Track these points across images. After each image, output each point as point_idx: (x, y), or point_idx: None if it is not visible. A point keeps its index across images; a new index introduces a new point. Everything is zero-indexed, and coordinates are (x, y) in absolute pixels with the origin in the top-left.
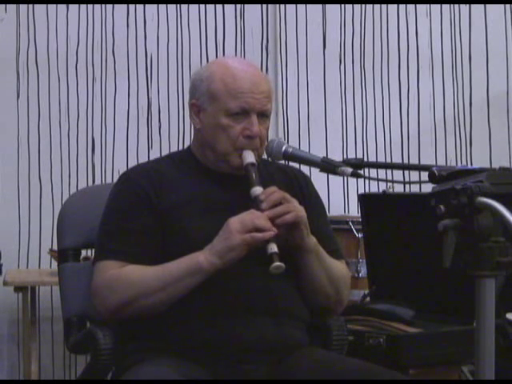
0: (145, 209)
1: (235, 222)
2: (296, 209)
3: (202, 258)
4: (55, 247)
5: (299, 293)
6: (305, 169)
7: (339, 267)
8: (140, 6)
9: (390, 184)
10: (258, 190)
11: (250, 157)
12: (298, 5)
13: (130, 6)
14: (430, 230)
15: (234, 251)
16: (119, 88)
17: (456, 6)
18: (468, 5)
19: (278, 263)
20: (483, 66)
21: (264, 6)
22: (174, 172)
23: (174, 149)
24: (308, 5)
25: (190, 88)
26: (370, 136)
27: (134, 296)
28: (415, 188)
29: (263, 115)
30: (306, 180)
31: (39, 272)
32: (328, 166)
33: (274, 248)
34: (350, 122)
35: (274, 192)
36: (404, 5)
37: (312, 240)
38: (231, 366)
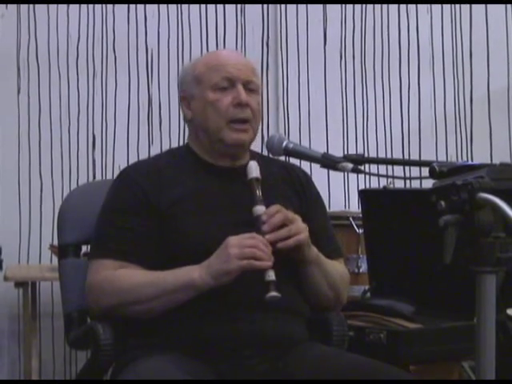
0: (142, 207)
1: (235, 245)
2: (298, 230)
3: (197, 276)
4: (56, 243)
5: (299, 289)
6: (305, 164)
7: (339, 270)
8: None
9: (390, 180)
10: (260, 209)
11: (254, 171)
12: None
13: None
14: (430, 226)
15: (229, 275)
16: (120, 83)
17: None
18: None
19: (274, 293)
20: (484, 62)
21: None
22: (173, 168)
23: (174, 144)
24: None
25: (178, 87)
26: (371, 132)
27: (126, 302)
28: (416, 184)
29: (251, 90)
30: (307, 178)
31: (40, 267)
32: (328, 162)
33: (271, 276)
34: (351, 118)
35: (276, 213)
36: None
37: (313, 252)
38: (232, 361)
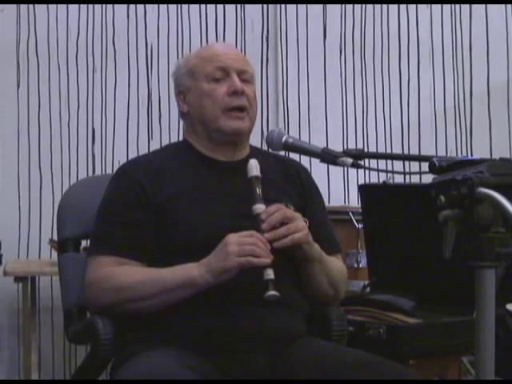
0: (141, 203)
1: (233, 243)
2: (297, 229)
3: (197, 274)
4: (55, 237)
5: (299, 284)
6: (305, 159)
7: (338, 267)
8: None
9: (390, 175)
10: (259, 208)
11: (255, 170)
12: None
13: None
14: (430, 221)
15: (228, 273)
16: (119, 78)
17: None
18: None
19: (272, 292)
20: (484, 56)
21: None
22: (171, 163)
23: (174, 139)
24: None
25: (174, 83)
26: (371, 126)
27: (126, 300)
28: (415, 179)
29: (245, 80)
30: (307, 173)
31: (39, 262)
32: (328, 157)
33: (270, 274)
34: (351, 113)
35: (275, 212)
36: None
37: (316, 251)
38: (231, 356)
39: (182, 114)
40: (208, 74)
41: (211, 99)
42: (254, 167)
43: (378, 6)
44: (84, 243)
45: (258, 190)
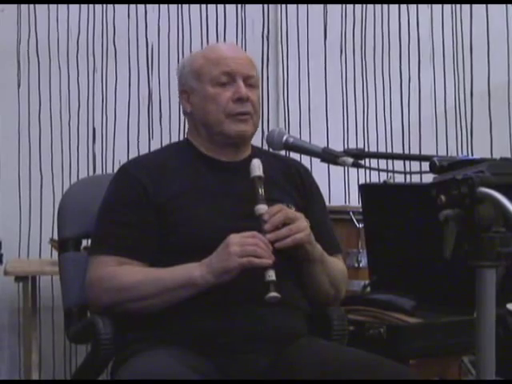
0: (142, 202)
1: (235, 244)
2: (298, 229)
3: (198, 274)
4: (56, 237)
5: (300, 284)
6: (305, 159)
7: (339, 267)
8: None
9: (390, 174)
10: (262, 208)
11: (258, 169)
12: None
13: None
14: (430, 221)
15: (229, 273)
16: (120, 78)
17: None
18: None
19: (273, 294)
20: (484, 56)
21: None
22: (172, 163)
23: (174, 139)
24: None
25: (178, 80)
26: (371, 126)
27: (127, 299)
28: (416, 178)
29: (250, 85)
30: (308, 173)
31: (40, 262)
32: (329, 157)
33: (271, 276)
34: (351, 113)
35: (277, 212)
36: None
37: (317, 251)
38: (231, 355)
39: (184, 113)
40: (213, 78)
41: (215, 103)
42: (256, 167)
43: (378, 6)
44: (85, 243)
45: (261, 191)
